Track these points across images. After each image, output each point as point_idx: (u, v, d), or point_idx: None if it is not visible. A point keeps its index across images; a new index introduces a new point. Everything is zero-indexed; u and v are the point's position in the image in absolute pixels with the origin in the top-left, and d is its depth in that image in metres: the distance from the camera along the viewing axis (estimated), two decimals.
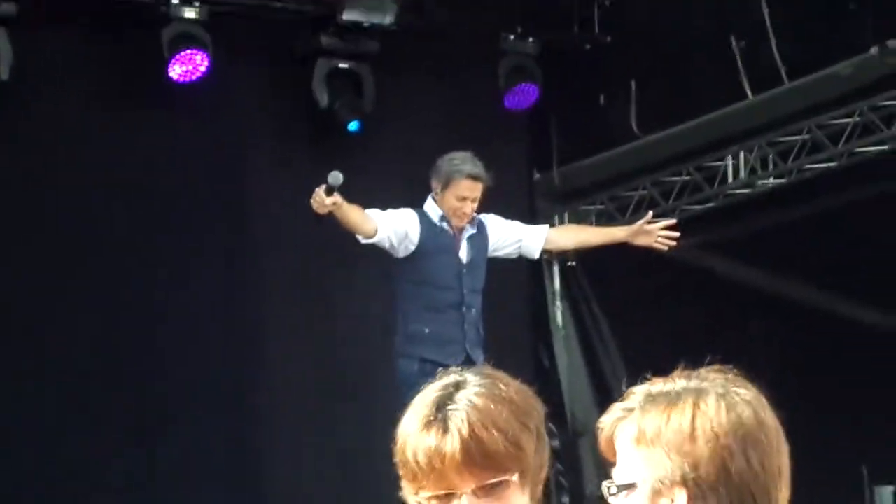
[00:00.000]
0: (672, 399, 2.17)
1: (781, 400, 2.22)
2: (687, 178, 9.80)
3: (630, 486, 2.18)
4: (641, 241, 7.78)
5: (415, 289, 7.24)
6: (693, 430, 2.13)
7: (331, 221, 7.07)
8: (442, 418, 2.44)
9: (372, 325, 8.36)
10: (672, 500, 2.14)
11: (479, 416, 2.43)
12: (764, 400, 2.19)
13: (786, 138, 9.27)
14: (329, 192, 6.88)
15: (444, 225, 7.32)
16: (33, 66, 8.12)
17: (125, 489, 8.05)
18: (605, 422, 2.25)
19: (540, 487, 2.56)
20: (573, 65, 9.86)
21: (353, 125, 9.02)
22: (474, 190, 7.27)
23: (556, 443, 10.06)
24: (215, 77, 8.50)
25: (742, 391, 2.18)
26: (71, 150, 8.29)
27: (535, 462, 2.50)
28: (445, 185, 7.27)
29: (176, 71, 8.36)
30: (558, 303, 10.44)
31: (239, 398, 8.61)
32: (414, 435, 2.46)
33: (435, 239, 7.27)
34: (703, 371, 2.23)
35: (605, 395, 9.96)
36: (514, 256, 7.75)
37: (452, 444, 2.42)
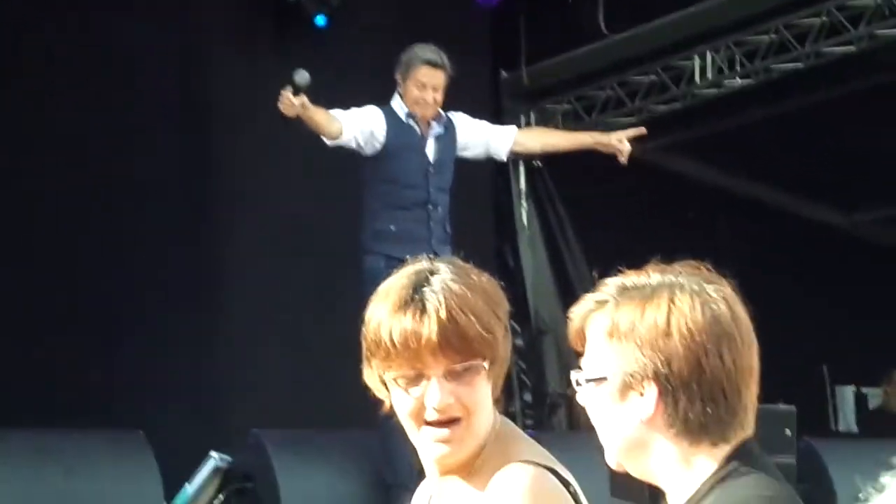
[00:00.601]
0: (647, 294, 2.17)
1: (746, 299, 2.22)
2: (654, 77, 9.77)
3: (600, 379, 2.18)
4: (606, 149, 7.70)
5: (381, 187, 7.19)
6: (668, 326, 2.13)
7: (296, 124, 7.00)
8: (419, 300, 2.48)
9: (340, 226, 8.31)
10: (642, 394, 2.15)
11: (456, 300, 2.47)
12: (737, 297, 2.19)
13: (752, 38, 9.24)
14: (296, 92, 6.81)
15: (411, 122, 7.23)
16: None
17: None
18: (577, 312, 2.24)
19: (501, 381, 2.58)
20: None
21: (319, 19, 8.91)
22: (433, 77, 7.15)
23: (519, 341, 10.12)
24: None
25: (716, 288, 2.18)
26: (32, 45, 8.18)
27: (502, 352, 2.53)
28: (405, 74, 7.19)
29: None
30: (523, 203, 10.44)
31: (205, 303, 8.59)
32: (389, 316, 2.49)
33: (401, 137, 7.20)
34: (676, 266, 2.22)
35: (569, 295, 10.00)
36: (482, 158, 7.69)
37: (430, 326, 2.46)
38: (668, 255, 2.31)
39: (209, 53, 8.86)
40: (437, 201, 7.20)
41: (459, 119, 7.47)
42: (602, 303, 2.21)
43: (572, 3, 9.65)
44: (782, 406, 7.53)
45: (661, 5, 9.23)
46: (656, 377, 2.13)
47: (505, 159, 8.02)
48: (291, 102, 6.80)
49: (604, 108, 10.04)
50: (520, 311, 10.24)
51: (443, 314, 2.45)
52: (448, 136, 7.36)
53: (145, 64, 8.49)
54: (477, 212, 9.84)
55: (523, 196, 10.44)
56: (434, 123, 7.29)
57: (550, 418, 10.10)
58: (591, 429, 2.26)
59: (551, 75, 10.12)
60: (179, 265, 8.52)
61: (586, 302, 2.24)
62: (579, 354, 2.24)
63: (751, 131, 9.44)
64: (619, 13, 9.47)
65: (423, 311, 2.46)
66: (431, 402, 2.48)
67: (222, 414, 8.21)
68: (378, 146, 7.17)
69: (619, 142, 7.66)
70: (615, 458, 2.22)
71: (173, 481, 6.90)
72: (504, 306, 2.56)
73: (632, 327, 2.15)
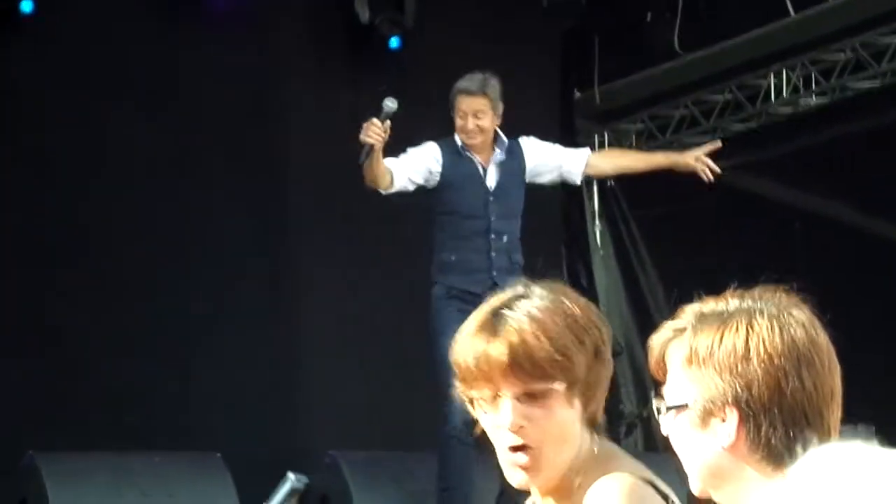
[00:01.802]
0: (724, 319, 2.15)
1: (825, 321, 2.20)
2: (729, 96, 9.72)
3: (681, 407, 2.16)
4: (684, 168, 7.58)
5: (443, 218, 7.14)
6: (747, 350, 2.11)
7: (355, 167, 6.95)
8: (495, 324, 2.51)
9: (414, 250, 8.31)
10: (723, 420, 2.13)
11: (531, 324, 2.49)
12: (816, 321, 2.17)
13: (828, 56, 9.17)
14: (383, 119, 6.76)
15: (468, 153, 7.16)
16: None
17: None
18: (656, 341, 2.23)
19: (595, 405, 2.56)
20: None
21: (393, 41, 8.92)
22: (472, 104, 7.05)
23: None
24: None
25: (795, 311, 2.17)
26: (109, 65, 8.26)
27: (586, 376, 2.52)
28: (451, 106, 7.14)
29: None
30: (597, 222, 10.41)
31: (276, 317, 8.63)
32: (467, 337, 2.53)
33: (458, 167, 7.13)
34: (754, 291, 2.20)
35: (643, 316, 9.96)
36: (557, 182, 7.56)
37: (499, 349, 2.48)
38: (744, 276, 2.29)
39: (284, 76, 8.91)
40: (499, 229, 7.09)
41: (529, 144, 7.35)
42: (680, 330, 2.20)
43: (650, 22, 9.61)
44: (861, 427, 7.45)
45: (736, 23, 9.18)
46: (737, 402, 2.11)
47: (579, 183, 7.87)
48: (379, 129, 6.73)
49: (678, 128, 9.99)
50: None
51: (513, 337, 2.47)
52: (512, 162, 7.25)
53: (219, 86, 8.55)
54: (549, 232, 9.83)
55: (596, 216, 10.41)
56: (497, 150, 7.19)
57: (626, 439, 10.05)
58: (668, 450, 2.24)
59: (625, 95, 10.09)
60: (256, 287, 8.57)
61: (665, 330, 2.23)
62: (660, 383, 2.23)
63: (827, 150, 9.36)
64: (692, 32, 9.43)
65: (496, 333, 2.48)
66: (504, 422, 2.48)
67: (299, 435, 8.23)
68: (438, 179, 7.14)
69: (697, 160, 7.52)
70: (699, 486, 2.21)
71: (250, 502, 6.92)
72: (595, 332, 2.55)
73: (710, 353, 2.13)
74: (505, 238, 7.09)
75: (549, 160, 7.37)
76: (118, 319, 8.03)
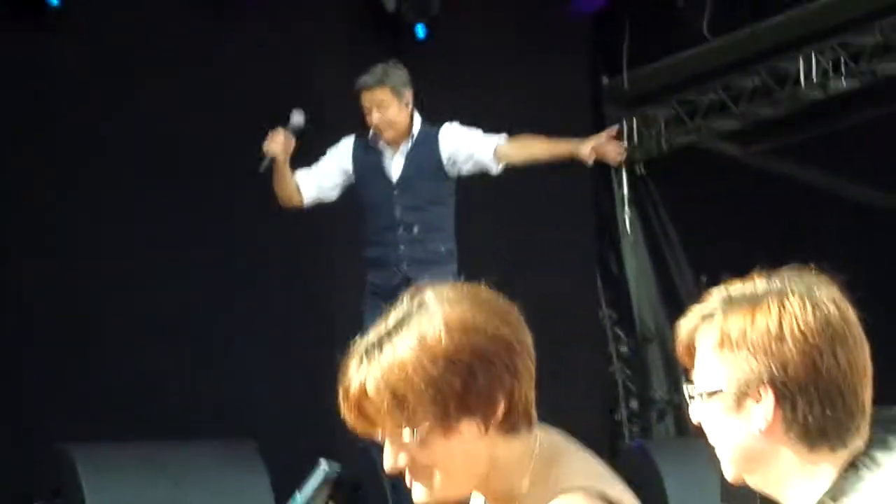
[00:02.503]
0: (755, 300, 2.15)
1: (854, 301, 2.19)
2: (758, 81, 9.69)
3: (715, 392, 2.16)
4: (583, 158, 7.06)
5: (362, 214, 7.06)
6: (780, 330, 2.11)
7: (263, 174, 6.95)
8: (356, 369, 2.42)
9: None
10: (759, 401, 2.13)
11: (377, 375, 2.38)
12: (845, 298, 2.17)
13: (858, 39, 9.13)
14: (292, 132, 6.75)
15: (376, 146, 7.00)
16: None
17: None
18: (684, 327, 2.23)
19: (505, 410, 2.40)
20: None
21: (419, 29, 8.91)
22: (373, 98, 6.89)
23: (624, 348, 10.08)
24: None
25: (825, 289, 2.16)
26: (143, 54, 8.29)
27: (455, 405, 2.36)
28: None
29: None
30: (626, 209, 10.39)
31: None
32: (344, 373, 2.45)
33: (364, 161, 7.00)
34: (781, 272, 2.19)
35: (674, 301, 9.94)
36: (476, 172, 7.10)
37: (348, 399, 2.42)
38: (774, 260, 2.29)
39: (310, 61, 8.91)
40: (409, 221, 6.88)
41: (447, 132, 7.03)
42: (709, 315, 2.19)
43: (681, 6, 9.58)
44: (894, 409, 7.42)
45: (765, 8, 9.15)
46: (772, 383, 2.11)
47: (495, 172, 7.14)
48: (282, 140, 6.78)
49: (707, 112, 9.97)
50: (624, 318, 10.20)
51: (354, 391, 2.40)
52: (421, 149, 6.98)
53: (244, 75, 8.56)
54: (579, 219, 9.82)
55: (626, 202, 10.40)
56: (406, 141, 6.98)
57: (658, 425, 10.04)
58: (700, 435, 2.24)
59: (653, 80, 10.07)
60: (290, 274, 8.58)
61: (692, 316, 2.22)
62: (688, 369, 2.23)
63: (857, 133, 9.32)
64: (722, 16, 9.40)
65: (352, 380, 2.41)
66: (385, 466, 2.43)
67: (332, 422, 8.23)
68: (353, 175, 7.06)
69: (591, 151, 7.02)
70: (733, 471, 2.20)
71: (283, 490, 6.95)
72: (467, 350, 2.35)
73: (743, 335, 2.13)
74: (416, 229, 6.87)
75: (463, 148, 7.02)
76: (151, 306, 8.04)
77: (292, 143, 6.86)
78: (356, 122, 8.30)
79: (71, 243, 7.98)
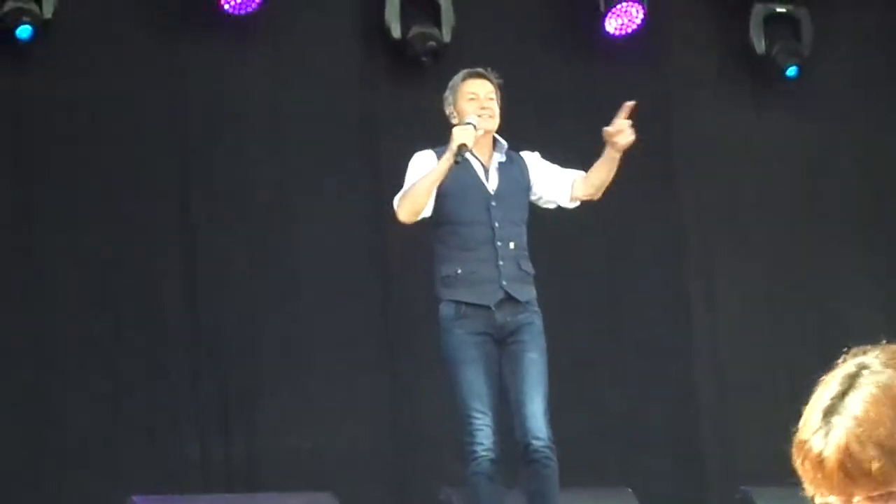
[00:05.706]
0: None
1: None
2: None
3: None
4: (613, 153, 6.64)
5: (444, 229, 6.60)
6: None
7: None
8: (826, 429, 2.23)
9: None
10: None
11: (858, 429, 2.21)
12: None
13: None
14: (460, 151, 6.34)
15: (467, 155, 6.52)
16: None
17: None
18: None
19: None
20: None
21: (791, 70, 8.99)
22: (483, 86, 6.56)
23: None
24: (649, 29, 8.65)
25: None
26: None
27: None
28: (454, 97, 6.60)
29: (612, 25, 8.74)
30: None
31: None
32: (802, 440, 2.26)
33: (456, 173, 6.52)
34: None
35: None
36: (545, 205, 6.82)
37: (829, 462, 2.22)
38: None
39: (685, 105, 8.99)
40: (505, 236, 6.57)
41: (530, 157, 6.76)
42: None
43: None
44: None
45: None
46: None
47: (569, 206, 6.85)
48: (473, 133, 6.44)
49: None
50: None
51: (840, 450, 2.20)
52: (512, 166, 6.69)
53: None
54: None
55: None
56: (496, 153, 6.67)
57: None
58: None
59: None
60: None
61: None
62: None
63: None
64: None
65: (827, 442, 2.21)
66: None
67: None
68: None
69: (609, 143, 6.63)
70: None
71: None
72: None
73: None
74: (512, 245, 6.57)
75: (544, 179, 6.76)
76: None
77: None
78: (720, 159, 8.21)
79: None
